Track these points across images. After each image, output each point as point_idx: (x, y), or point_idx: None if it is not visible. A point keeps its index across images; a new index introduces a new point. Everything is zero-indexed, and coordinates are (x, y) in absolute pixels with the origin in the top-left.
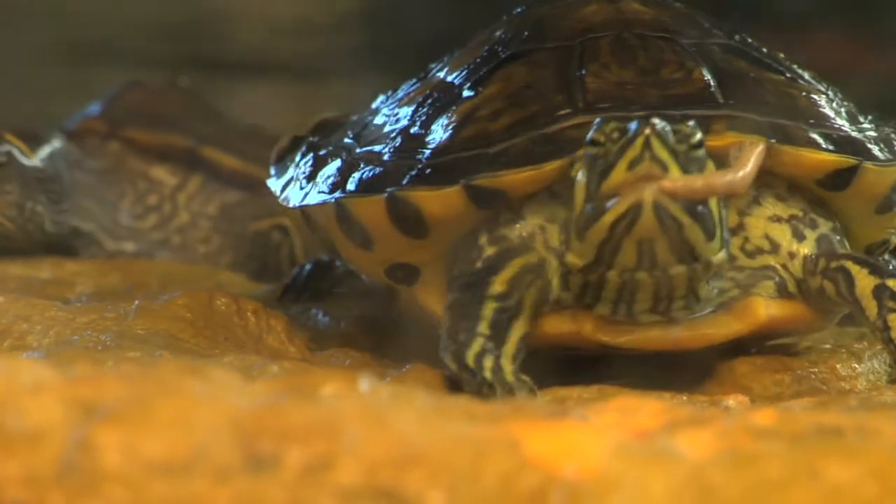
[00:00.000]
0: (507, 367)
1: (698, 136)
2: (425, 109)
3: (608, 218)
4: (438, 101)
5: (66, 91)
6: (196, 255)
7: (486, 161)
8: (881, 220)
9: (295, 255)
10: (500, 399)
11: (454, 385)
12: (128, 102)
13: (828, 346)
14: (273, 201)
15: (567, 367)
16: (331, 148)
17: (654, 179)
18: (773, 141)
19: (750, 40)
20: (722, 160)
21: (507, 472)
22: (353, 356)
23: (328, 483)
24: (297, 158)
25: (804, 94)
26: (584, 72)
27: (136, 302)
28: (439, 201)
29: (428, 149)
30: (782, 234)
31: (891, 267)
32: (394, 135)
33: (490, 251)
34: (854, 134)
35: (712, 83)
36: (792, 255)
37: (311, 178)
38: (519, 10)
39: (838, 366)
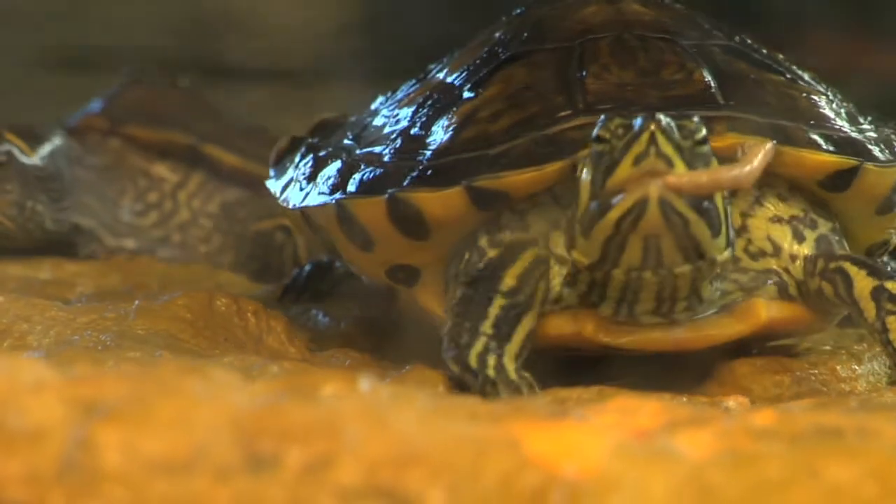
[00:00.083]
0: (510, 365)
1: (703, 132)
2: (425, 111)
3: (614, 214)
4: (438, 102)
5: (66, 96)
6: (197, 253)
7: (486, 162)
8: (882, 221)
9: (298, 256)
10: (503, 398)
11: (455, 385)
12: (129, 100)
13: (828, 347)
14: (275, 201)
15: (567, 368)
16: (330, 149)
17: (660, 175)
18: (773, 142)
19: (750, 41)
20: (724, 161)
21: (507, 472)
22: (353, 357)
23: (328, 482)
24: (297, 159)
25: (804, 94)
26: (584, 73)
27: (136, 302)
28: (440, 203)
29: (428, 150)
30: (783, 235)
31: (889, 269)
32: (394, 136)
33: (492, 253)
34: (854, 135)
35: (713, 84)
36: (793, 258)
37: (311, 179)
38: (518, 10)
39: (838, 367)
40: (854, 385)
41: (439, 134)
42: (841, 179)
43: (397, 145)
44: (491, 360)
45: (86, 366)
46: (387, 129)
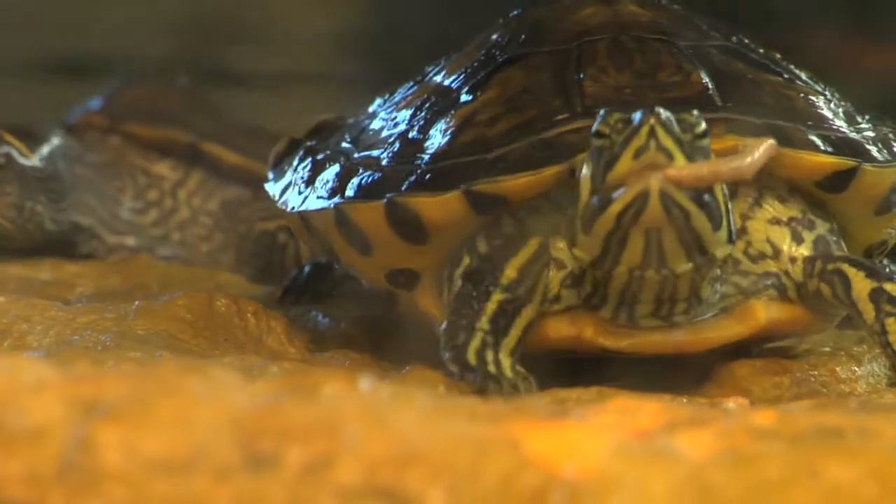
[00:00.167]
0: (506, 361)
1: (703, 125)
2: (423, 114)
3: (615, 208)
4: (436, 105)
5: (66, 101)
6: (197, 251)
7: (485, 166)
8: (880, 222)
9: (300, 257)
10: (503, 394)
11: (454, 385)
12: (128, 98)
13: (827, 348)
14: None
15: (567, 369)
16: (329, 152)
17: (660, 168)
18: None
19: (747, 41)
20: None
21: (507, 472)
22: (353, 357)
23: (328, 482)
24: (296, 162)
25: (802, 95)
26: (581, 76)
27: (136, 302)
28: (439, 207)
29: (427, 154)
30: (782, 238)
31: (888, 270)
32: (392, 139)
33: (492, 249)
34: (852, 135)
35: (710, 85)
36: (793, 260)
37: (309, 182)
38: (516, 12)
39: (838, 368)
40: (854, 386)
41: (437, 138)
42: (839, 180)
43: (395, 149)
44: (489, 356)
45: (86, 366)
46: (384, 133)
